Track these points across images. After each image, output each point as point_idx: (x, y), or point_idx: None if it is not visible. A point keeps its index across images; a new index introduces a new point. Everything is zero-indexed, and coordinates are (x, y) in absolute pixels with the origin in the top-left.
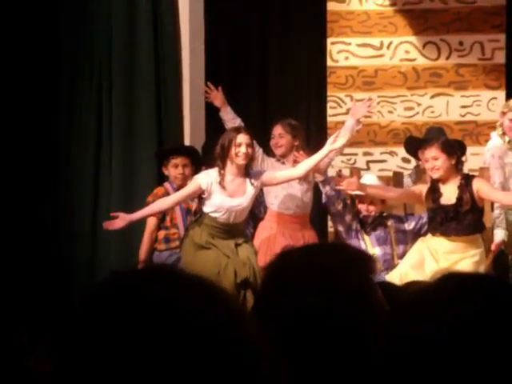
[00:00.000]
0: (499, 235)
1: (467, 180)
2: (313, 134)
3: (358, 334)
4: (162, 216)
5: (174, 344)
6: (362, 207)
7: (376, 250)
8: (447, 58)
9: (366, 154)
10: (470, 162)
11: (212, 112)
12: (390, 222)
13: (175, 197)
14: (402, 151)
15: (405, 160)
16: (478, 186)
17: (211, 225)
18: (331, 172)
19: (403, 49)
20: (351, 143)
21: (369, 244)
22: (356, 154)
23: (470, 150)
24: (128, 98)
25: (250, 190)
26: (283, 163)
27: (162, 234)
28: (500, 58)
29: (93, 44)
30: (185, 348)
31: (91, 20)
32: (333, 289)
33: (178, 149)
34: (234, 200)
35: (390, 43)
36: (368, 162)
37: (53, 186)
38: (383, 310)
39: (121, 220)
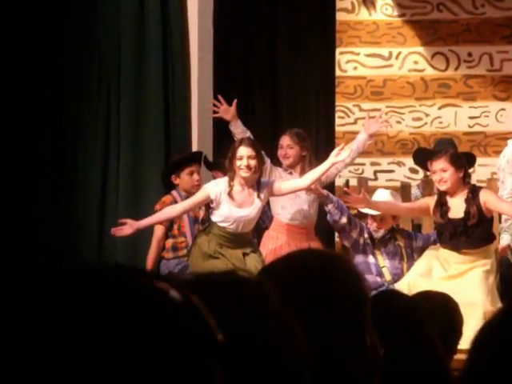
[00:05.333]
0: (505, 240)
1: (474, 192)
2: (321, 144)
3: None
4: (169, 224)
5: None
6: (372, 224)
7: (386, 262)
8: (456, 69)
9: (373, 164)
10: (478, 173)
11: (220, 122)
12: (400, 237)
13: (183, 205)
14: (409, 161)
15: (412, 170)
16: (485, 198)
17: (219, 234)
18: (338, 182)
19: (412, 59)
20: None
21: (379, 257)
22: (364, 164)
23: (478, 161)
24: (136, 109)
25: (257, 201)
26: (291, 173)
27: (169, 242)
28: (509, 69)
29: (101, 54)
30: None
31: (99, 30)
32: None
33: (195, 156)
34: (242, 210)
35: (399, 53)
36: (376, 172)
37: (59, 193)
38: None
39: (129, 227)
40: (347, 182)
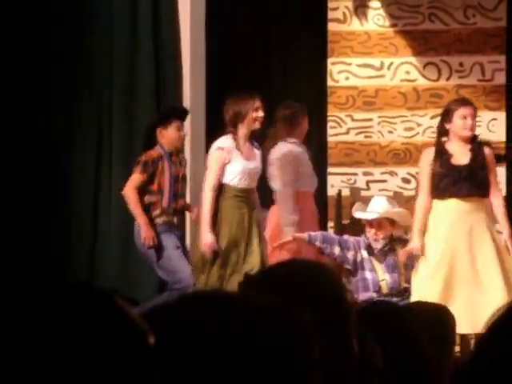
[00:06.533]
0: None
1: (479, 144)
2: (313, 154)
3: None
4: (149, 177)
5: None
6: (371, 232)
7: (386, 276)
8: (447, 79)
9: (366, 173)
10: None
11: (212, 123)
12: (398, 247)
13: (210, 185)
14: (402, 171)
15: (405, 180)
16: (488, 153)
17: (234, 195)
18: (331, 192)
19: (404, 69)
20: (351, 163)
21: (379, 270)
22: (356, 174)
23: None
24: (128, 112)
25: (258, 153)
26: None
27: (145, 199)
28: (500, 79)
29: (93, 59)
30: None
31: (91, 32)
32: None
33: (186, 111)
34: (250, 163)
35: (391, 64)
36: (368, 182)
37: (50, 194)
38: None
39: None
40: (339, 192)
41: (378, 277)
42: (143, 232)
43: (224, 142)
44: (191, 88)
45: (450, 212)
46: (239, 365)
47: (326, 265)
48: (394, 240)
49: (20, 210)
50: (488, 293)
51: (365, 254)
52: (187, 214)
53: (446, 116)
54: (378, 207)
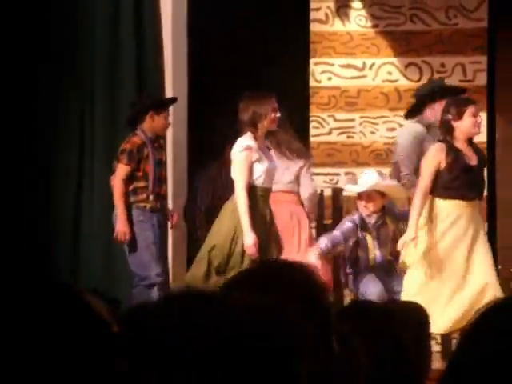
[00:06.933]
0: None
1: (475, 144)
2: None
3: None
4: (136, 166)
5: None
6: (361, 205)
7: (377, 251)
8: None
9: (348, 174)
10: None
11: (194, 118)
12: (390, 221)
13: (244, 183)
14: (384, 171)
15: None
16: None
17: (260, 195)
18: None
19: (385, 70)
20: (334, 163)
21: (372, 246)
22: (338, 174)
23: None
24: (110, 112)
25: (272, 153)
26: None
27: (131, 185)
28: (481, 79)
29: (76, 57)
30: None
31: (73, 31)
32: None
33: (175, 101)
34: (271, 163)
35: (373, 64)
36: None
37: (33, 192)
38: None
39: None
40: (321, 192)
41: (368, 255)
42: (118, 226)
43: (248, 141)
44: (173, 87)
45: (456, 212)
46: (230, 365)
47: (304, 265)
48: (386, 212)
49: (1, 211)
50: (482, 292)
51: (360, 234)
52: (170, 199)
53: (455, 114)
54: (368, 180)
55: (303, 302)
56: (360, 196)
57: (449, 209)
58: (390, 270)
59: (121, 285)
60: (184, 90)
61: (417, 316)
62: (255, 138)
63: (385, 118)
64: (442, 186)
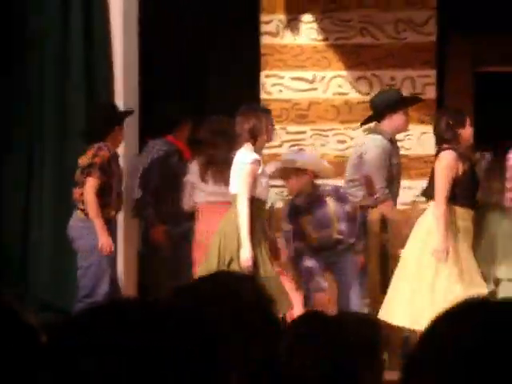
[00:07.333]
0: None
1: None
2: None
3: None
4: (105, 180)
5: None
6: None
7: (315, 233)
8: None
9: None
10: (402, 196)
11: (145, 125)
12: (327, 197)
13: (249, 196)
14: (334, 183)
15: None
16: None
17: (259, 207)
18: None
19: (336, 83)
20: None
21: (310, 229)
22: None
23: (401, 184)
24: (60, 120)
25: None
26: None
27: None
28: (430, 93)
29: (24, 62)
30: None
31: (22, 35)
32: None
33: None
34: (267, 176)
35: (323, 77)
36: None
37: None
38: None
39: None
40: (272, 205)
41: (309, 235)
42: (103, 239)
43: (254, 154)
44: (124, 92)
45: (467, 221)
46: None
47: (252, 277)
48: (320, 189)
49: None
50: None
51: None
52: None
53: (460, 122)
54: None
55: (251, 313)
56: (272, 176)
57: (462, 216)
58: (335, 247)
59: (71, 296)
60: (135, 102)
61: (369, 326)
62: (257, 151)
63: (335, 131)
64: (458, 195)
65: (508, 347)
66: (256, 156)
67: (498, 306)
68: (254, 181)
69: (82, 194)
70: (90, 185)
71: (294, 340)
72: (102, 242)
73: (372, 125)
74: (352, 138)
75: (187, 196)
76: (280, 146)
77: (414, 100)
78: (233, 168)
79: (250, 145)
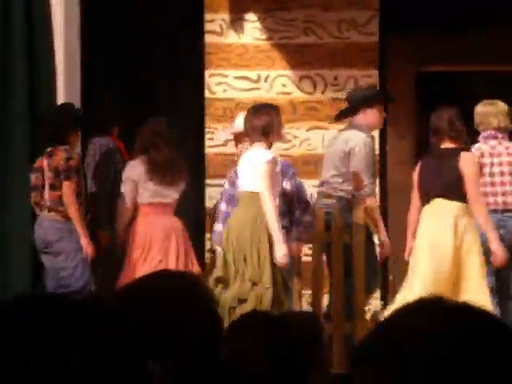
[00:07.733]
0: None
1: None
2: (192, 166)
3: None
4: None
5: None
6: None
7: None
8: (323, 93)
9: None
10: None
11: (86, 125)
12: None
13: (271, 193)
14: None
15: None
16: None
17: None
18: (209, 203)
19: (280, 82)
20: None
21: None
22: None
23: None
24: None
25: None
26: None
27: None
28: None
29: None
30: None
31: None
32: None
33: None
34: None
35: (267, 76)
36: None
37: None
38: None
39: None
40: (216, 203)
41: None
42: (86, 241)
43: (268, 153)
44: (66, 92)
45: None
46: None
47: (194, 275)
48: None
49: None
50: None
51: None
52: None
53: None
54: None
55: (192, 310)
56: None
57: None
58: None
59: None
60: (77, 92)
61: (311, 324)
62: (269, 150)
63: None
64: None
65: (466, 341)
66: (272, 154)
67: (455, 304)
68: (272, 179)
69: (57, 197)
70: (70, 188)
71: (236, 338)
72: (86, 242)
73: (349, 120)
74: (296, 138)
75: (129, 194)
76: (224, 145)
77: (389, 98)
78: (246, 167)
79: (263, 143)
